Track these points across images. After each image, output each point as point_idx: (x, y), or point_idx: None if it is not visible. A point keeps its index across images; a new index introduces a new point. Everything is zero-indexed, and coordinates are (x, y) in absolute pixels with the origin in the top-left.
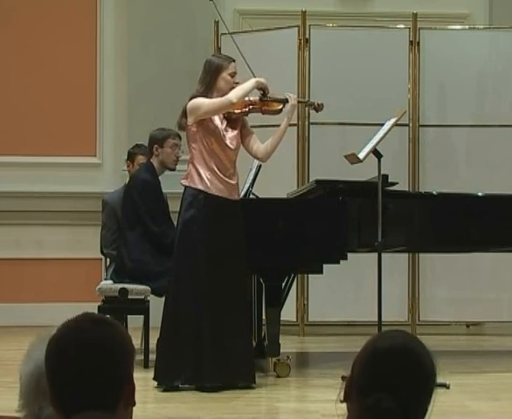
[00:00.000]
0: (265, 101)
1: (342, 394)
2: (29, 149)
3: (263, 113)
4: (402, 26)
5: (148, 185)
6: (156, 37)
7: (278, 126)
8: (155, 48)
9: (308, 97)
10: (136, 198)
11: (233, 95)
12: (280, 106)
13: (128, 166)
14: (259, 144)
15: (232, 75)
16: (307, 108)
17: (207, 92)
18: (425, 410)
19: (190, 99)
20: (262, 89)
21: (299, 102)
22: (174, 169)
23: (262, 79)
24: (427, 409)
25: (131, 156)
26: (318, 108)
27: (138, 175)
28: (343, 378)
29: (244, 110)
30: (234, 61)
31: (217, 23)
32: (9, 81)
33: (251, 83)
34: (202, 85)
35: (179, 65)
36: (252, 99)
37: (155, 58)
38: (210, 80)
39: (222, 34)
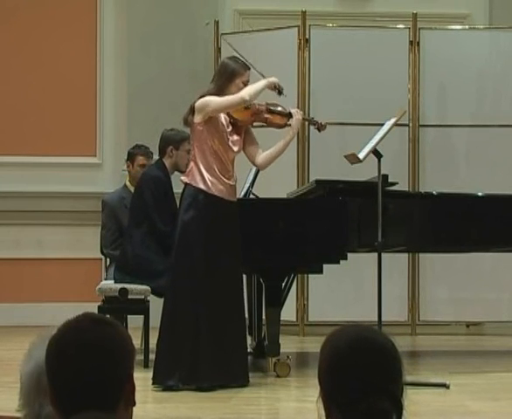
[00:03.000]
0: (271, 113)
1: (322, 412)
2: (29, 149)
3: (267, 125)
4: (402, 26)
5: (159, 182)
6: (156, 37)
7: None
8: (155, 48)
9: (308, 97)
10: (146, 194)
11: (246, 93)
12: (285, 121)
13: (127, 166)
14: (260, 152)
15: (246, 83)
16: (308, 124)
17: (218, 94)
18: (401, 389)
19: (200, 97)
20: (276, 89)
21: (303, 119)
22: (184, 172)
23: (273, 79)
24: (403, 388)
25: (131, 157)
26: (321, 128)
27: (150, 172)
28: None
29: (250, 119)
30: (249, 69)
31: (217, 23)
32: (9, 81)
33: (263, 83)
34: (214, 87)
35: (179, 66)
36: (259, 108)
37: (155, 58)
38: (222, 83)
39: (222, 34)
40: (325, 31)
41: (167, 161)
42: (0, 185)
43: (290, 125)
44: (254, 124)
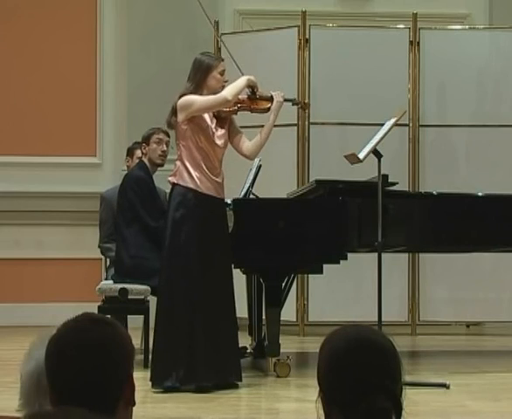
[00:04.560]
0: (253, 100)
1: (322, 412)
2: (29, 149)
3: (252, 112)
4: (402, 26)
5: (142, 181)
6: (156, 37)
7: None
8: (155, 48)
9: (308, 97)
10: (131, 195)
11: (228, 93)
12: (269, 105)
13: (127, 162)
14: (246, 142)
15: (222, 73)
16: (294, 107)
17: (197, 90)
18: (401, 388)
19: (180, 97)
20: (252, 87)
21: (285, 100)
22: (162, 165)
23: (252, 77)
24: (402, 388)
25: (130, 152)
26: (304, 107)
27: (131, 173)
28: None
29: (233, 109)
30: (223, 60)
31: (217, 23)
32: (9, 81)
33: (243, 81)
34: (192, 84)
35: (179, 65)
36: (240, 97)
37: (155, 58)
38: (199, 79)
39: (222, 34)
40: (325, 31)
41: (145, 160)
42: (0, 185)
43: None
44: (242, 126)
